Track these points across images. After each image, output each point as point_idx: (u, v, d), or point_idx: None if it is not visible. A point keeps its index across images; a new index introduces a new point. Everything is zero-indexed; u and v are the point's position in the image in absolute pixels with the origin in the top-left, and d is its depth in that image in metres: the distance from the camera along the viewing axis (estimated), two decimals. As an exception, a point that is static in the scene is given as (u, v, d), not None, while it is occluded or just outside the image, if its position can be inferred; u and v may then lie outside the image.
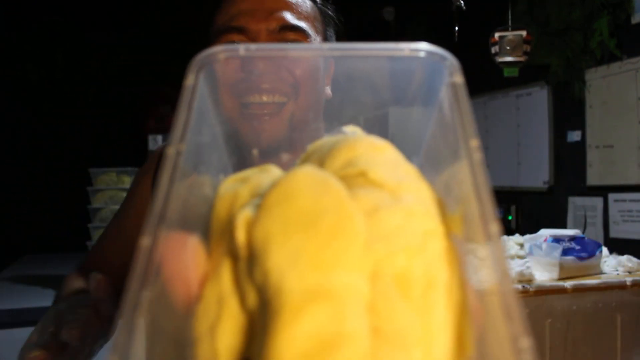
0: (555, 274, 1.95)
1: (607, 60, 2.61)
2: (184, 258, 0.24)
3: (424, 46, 0.27)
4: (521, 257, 2.17)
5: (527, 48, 2.47)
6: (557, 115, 3.02)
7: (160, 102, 3.54)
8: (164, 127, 3.43)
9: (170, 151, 0.25)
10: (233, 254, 0.24)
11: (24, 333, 0.89)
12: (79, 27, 3.60)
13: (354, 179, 0.25)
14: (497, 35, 2.50)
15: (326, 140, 0.28)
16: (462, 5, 2.14)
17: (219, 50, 0.28)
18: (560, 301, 1.89)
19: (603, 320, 1.96)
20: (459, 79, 0.26)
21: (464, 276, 0.24)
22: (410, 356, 0.21)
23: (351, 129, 0.30)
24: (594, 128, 2.73)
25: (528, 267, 1.95)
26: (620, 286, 1.96)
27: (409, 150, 0.28)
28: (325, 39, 0.90)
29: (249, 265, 0.23)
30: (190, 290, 0.24)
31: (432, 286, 0.23)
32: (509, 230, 3.13)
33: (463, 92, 0.26)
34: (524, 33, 2.47)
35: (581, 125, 2.82)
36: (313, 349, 0.20)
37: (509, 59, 2.49)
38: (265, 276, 0.22)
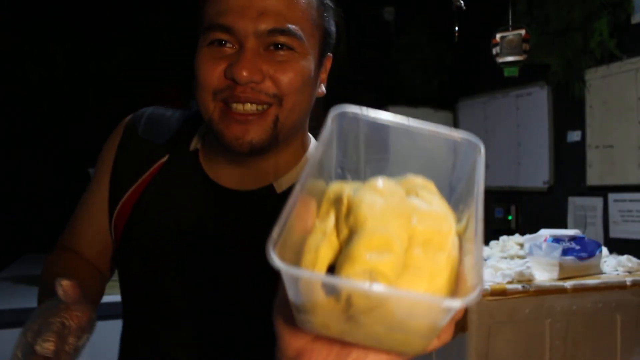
0: (555, 274, 1.95)
1: (607, 60, 2.62)
2: (309, 208, 0.41)
3: (464, 133, 0.47)
4: (521, 257, 2.17)
5: (526, 47, 2.49)
6: (557, 115, 3.02)
7: (160, 102, 3.54)
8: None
9: (314, 156, 0.43)
10: (336, 213, 0.41)
11: (24, 333, 0.90)
12: (79, 27, 3.60)
13: (410, 193, 0.43)
14: (498, 36, 2.51)
15: (401, 177, 0.47)
16: (462, 5, 2.14)
17: (350, 110, 0.47)
18: (560, 301, 1.89)
19: (603, 320, 1.96)
20: (482, 155, 0.46)
21: (460, 256, 0.40)
22: (420, 279, 0.38)
23: (411, 176, 0.48)
24: (594, 128, 2.73)
25: (528, 267, 1.95)
26: (620, 286, 1.96)
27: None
28: (325, 30, 0.85)
29: (346, 215, 0.40)
30: (308, 223, 0.41)
31: (442, 251, 0.39)
32: (509, 230, 3.13)
33: (481, 163, 0.45)
34: (522, 32, 2.48)
35: (581, 125, 2.82)
36: (376, 246, 0.37)
37: (509, 58, 2.51)
38: (356, 218, 0.39)
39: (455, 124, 3.81)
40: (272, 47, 0.78)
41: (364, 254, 0.36)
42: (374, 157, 0.51)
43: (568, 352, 1.92)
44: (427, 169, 0.47)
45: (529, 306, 1.86)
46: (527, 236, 2.18)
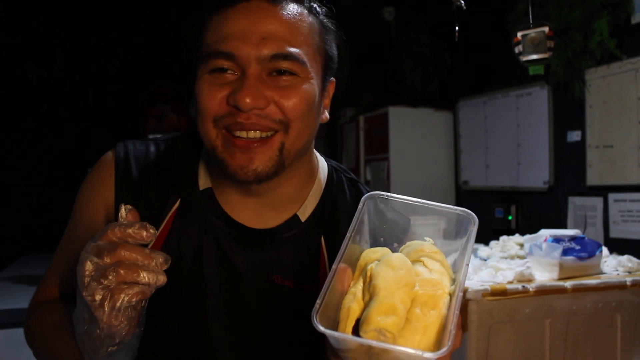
0: (555, 274, 1.95)
1: (607, 60, 2.61)
2: (346, 274, 0.61)
3: (464, 209, 0.65)
4: (521, 257, 2.17)
5: (551, 44, 2.40)
6: (557, 115, 3.02)
7: (160, 102, 3.54)
8: (164, 127, 3.43)
9: (347, 235, 0.61)
10: (363, 278, 0.60)
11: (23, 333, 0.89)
12: (79, 27, 3.60)
13: (417, 261, 0.62)
14: (519, 34, 2.42)
15: (415, 242, 0.65)
16: (462, 5, 2.14)
17: (376, 194, 0.66)
18: (560, 301, 1.89)
19: (603, 320, 1.96)
20: (476, 227, 0.63)
21: (449, 315, 0.56)
22: (416, 332, 0.56)
23: (429, 240, 0.66)
24: (594, 128, 2.73)
25: (528, 267, 1.95)
26: (620, 286, 1.96)
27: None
28: (327, 55, 0.84)
29: (368, 283, 0.58)
30: (344, 287, 0.60)
31: (434, 310, 0.57)
32: (509, 230, 3.12)
33: (474, 233, 0.63)
34: (546, 29, 2.39)
35: (581, 125, 2.82)
36: (384, 311, 0.54)
37: (533, 57, 2.41)
38: (373, 287, 0.57)
39: (455, 124, 3.81)
40: (274, 73, 0.76)
41: (376, 317, 0.54)
42: (398, 225, 0.68)
43: (568, 352, 1.91)
44: (437, 235, 0.66)
45: (529, 306, 1.86)
46: (527, 236, 2.18)
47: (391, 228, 0.68)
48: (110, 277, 0.58)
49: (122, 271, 0.58)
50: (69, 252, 0.88)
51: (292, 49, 0.76)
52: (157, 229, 0.83)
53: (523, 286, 1.86)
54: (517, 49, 2.44)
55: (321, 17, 0.83)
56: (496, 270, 1.99)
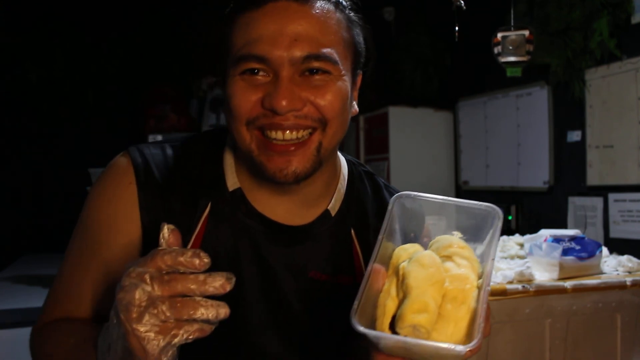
0: (555, 274, 1.95)
1: (607, 60, 2.61)
2: (381, 273, 0.64)
3: (489, 204, 0.68)
4: (521, 257, 2.17)
5: (530, 47, 2.45)
6: (557, 115, 3.02)
7: (160, 102, 3.55)
8: (164, 127, 3.43)
9: (379, 237, 0.65)
10: (396, 277, 0.63)
11: (24, 333, 0.88)
12: (79, 27, 3.60)
13: (447, 257, 0.64)
14: (499, 35, 2.47)
15: (443, 237, 0.67)
16: (462, 5, 2.14)
17: (404, 194, 0.68)
18: (560, 301, 1.89)
19: (603, 320, 1.96)
20: (500, 222, 0.66)
21: (478, 309, 0.59)
22: (448, 326, 0.59)
23: (457, 234, 0.68)
24: (594, 128, 2.73)
25: (528, 267, 1.95)
26: (620, 286, 1.96)
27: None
28: (356, 49, 0.85)
29: (401, 282, 0.62)
30: (380, 285, 0.63)
31: (464, 304, 0.60)
32: (509, 230, 3.12)
33: (499, 227, 0.65)
34: (526, 33, 2.44)
35: (581, 125, 2.82)
36: (417, 309, 0.58)
37: (511, 58, 2.46)
38: (406, 286, 0.61)
39: (455, 124, 3.81)
40: (307, 72, 0.77)
41: (410, 314, 0.58)
42: (417, 214, 0.70)
43: (568, 352, 1.91)
44: (463, 230, 0.69)
45: (529, 306, 1.86)
46: (527, 236, 2.18)
47: (417, 221, 0.71)
48: (167, 312, 0.53)
49: (179, 305, 0.54)
50: (87, 270, 0.84)
51: (324, 49, 0.77)
52: (190, 235, 0.82)
53: (523, 286, 1.86)
54: (495, 50, 2.47)
55: (347, 11, 0.84)
56: (496, 270, 1.98)
